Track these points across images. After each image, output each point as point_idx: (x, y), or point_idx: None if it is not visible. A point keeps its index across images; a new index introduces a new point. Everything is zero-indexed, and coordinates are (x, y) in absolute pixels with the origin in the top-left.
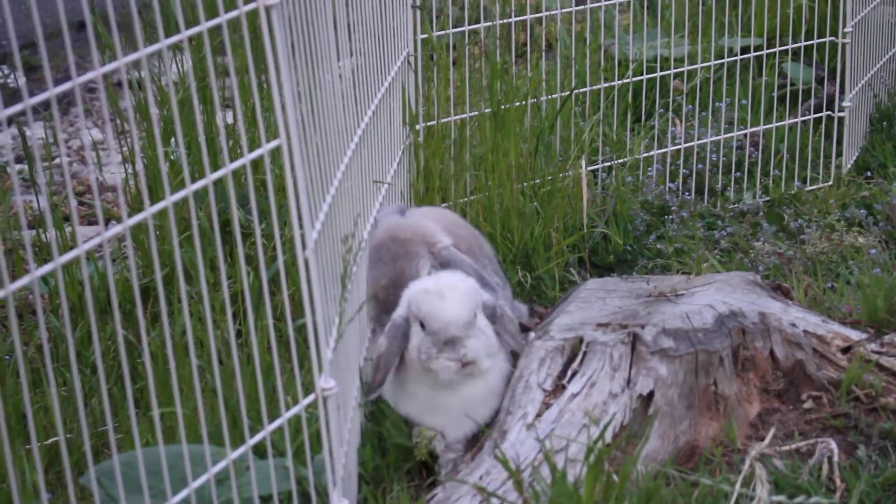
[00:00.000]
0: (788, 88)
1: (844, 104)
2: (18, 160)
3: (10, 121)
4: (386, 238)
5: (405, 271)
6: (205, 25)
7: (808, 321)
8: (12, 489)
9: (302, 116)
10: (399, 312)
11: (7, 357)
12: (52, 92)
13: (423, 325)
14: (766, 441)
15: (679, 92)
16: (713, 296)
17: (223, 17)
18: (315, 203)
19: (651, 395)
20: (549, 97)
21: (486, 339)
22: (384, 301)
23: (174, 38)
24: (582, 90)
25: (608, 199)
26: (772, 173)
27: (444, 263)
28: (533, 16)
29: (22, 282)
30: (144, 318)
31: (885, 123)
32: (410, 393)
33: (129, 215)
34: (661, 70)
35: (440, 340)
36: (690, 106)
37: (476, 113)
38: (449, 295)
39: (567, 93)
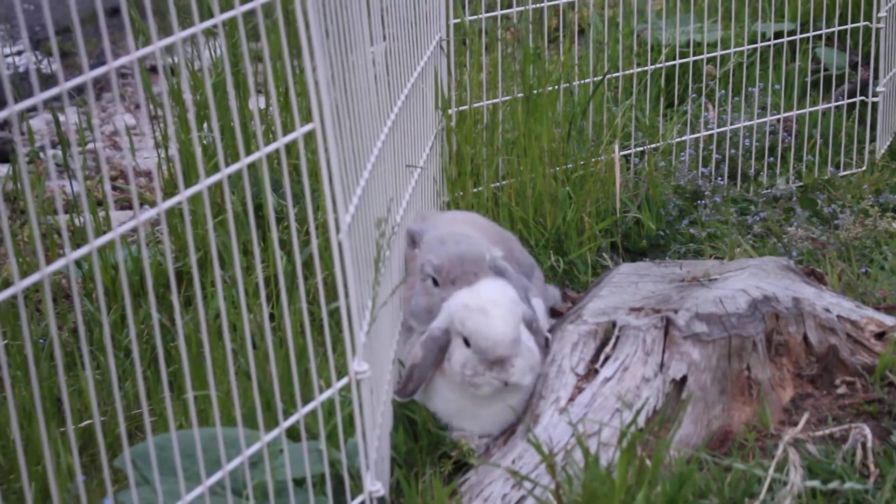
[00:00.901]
0: (822, 73)
1: (878, 89)
2: (53, 145)
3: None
4: (448, 231)
5: (470, 251)
6: (239, 10)
7: (842, 306)
8: (48, 471)
9: (336, 101)
10: (438, 324)
11: (42, 340)
12: (88, 76)
13: (467, 342)
14: (800, 426)
15: (712, 77)
16: (746, 281)
17: (257, 2)
18: (348, 187)
19: (684, 379)
20: (582, 82)
21: (530, 356)
22: (448, 271)
23: (208, 23)
24: (614, 75)
25: (641, 183)
26: (805, 158)
27: (496, 272)
28: (565, 0)
29: (57, 265)
30: (178, 302)
31: None
32: (444, 397)
33: (163, 200)
34: (694, 55)
35: (488, 360)
36: (723, 91)
37: (508, 98)
38: (493, 312)
39: (599, 78)
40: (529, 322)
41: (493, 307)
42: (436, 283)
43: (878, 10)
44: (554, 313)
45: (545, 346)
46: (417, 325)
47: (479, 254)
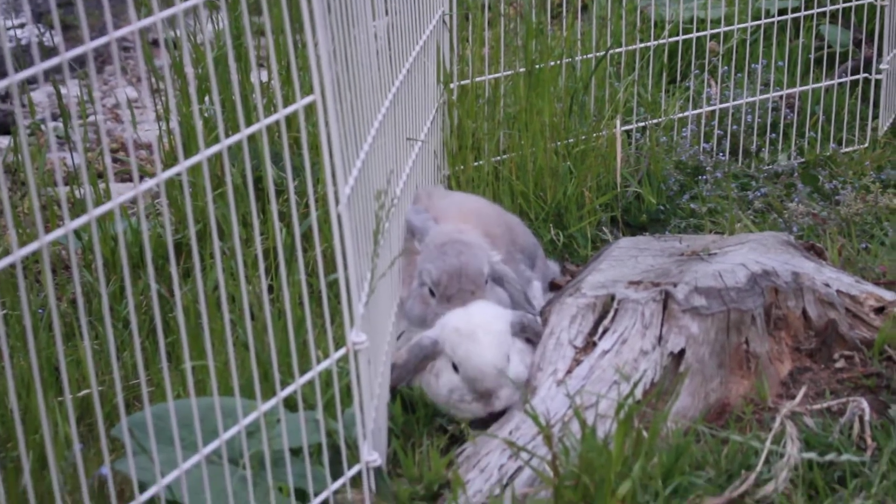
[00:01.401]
0: (825, 50)
1: (881, 66)
2: (54, 117)
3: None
4: (450, 239)
5: (471, 263)
6: None
7: (842, 281)
8: (45, 440)
9: (337, 74)
10: (429, 334)
11: (41, 311)
12: (88, 46)
13: (455, 368)
14: (797, 399)
15: (715, 53)
16: (746, 255)
17: None
18: (348, 159)
19: (682, 352)
20: (584, 57)
21: (517, 378)
22: (446, 287)
23: None
24: (617, 50)
25: (642, 159)
26: (807, 135)
27: (496, 276)
28: None
29: (56, 234)
30: (177, 274)
31: None
32: (434, 392)
33: (163, 171)
34: (697, 31)
35: (475, 390)
36: (726, 67)
37: (510, 72)
38: (483, 339)
39: (602, 53)
40: (520, 323)
41: (482, 334)
42: (432, 293)
43: None
44: (553, 286)
45: (539, 335)
46: (408, 326)
47: (478, 269)
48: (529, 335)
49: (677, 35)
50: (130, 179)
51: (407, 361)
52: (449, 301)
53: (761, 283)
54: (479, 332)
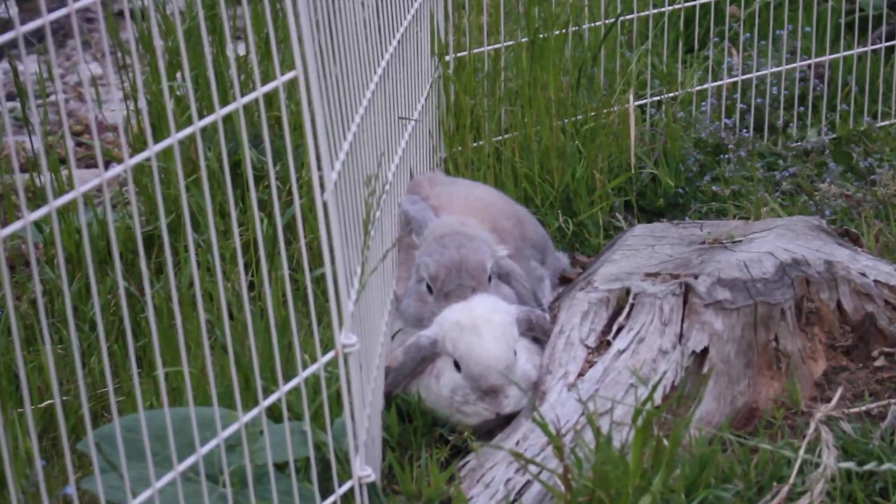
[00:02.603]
0: (857, 14)
1: None
2: (10, 97)
3: (1, 53)
4: (451, 231)
5: (471, 256)
6: None
7: (880, 270)
8: (4, 456)
9: (320, 47)
10: (428, 333)
11: None
12: (46, 19)
13: (457, 365)
14: (833, 402)
15: (736, 18)
16: (774, 242)
17: None
18: (335, 142)
19: (705, 351)
20: (593, 25)
21: (525, 378)
22: (444, 282)
23: None
24: (628, 17)
25: (658, 136)
26: (839, 108)
27: (502, 272)
28: None
29: (14, 227)
30: (148, 269)
31: None
32: (435, 395)
33: (131, 156)
34: None
35: (479, 388)
36: (748, 34)
37: (512, 42)
38: (486, 332)
39: (612, 20)
40: (527, 319)
41: (485, 326)
42: (430, 289)
43: None
44: (562, 280)
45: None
46: (404, 326)
47: (480, 263)
48: (537, 334)
49: None
50: (95, 165)
51: (403, 364)
52: (447, 298)
53: (791, 274)
54: (481, 324)
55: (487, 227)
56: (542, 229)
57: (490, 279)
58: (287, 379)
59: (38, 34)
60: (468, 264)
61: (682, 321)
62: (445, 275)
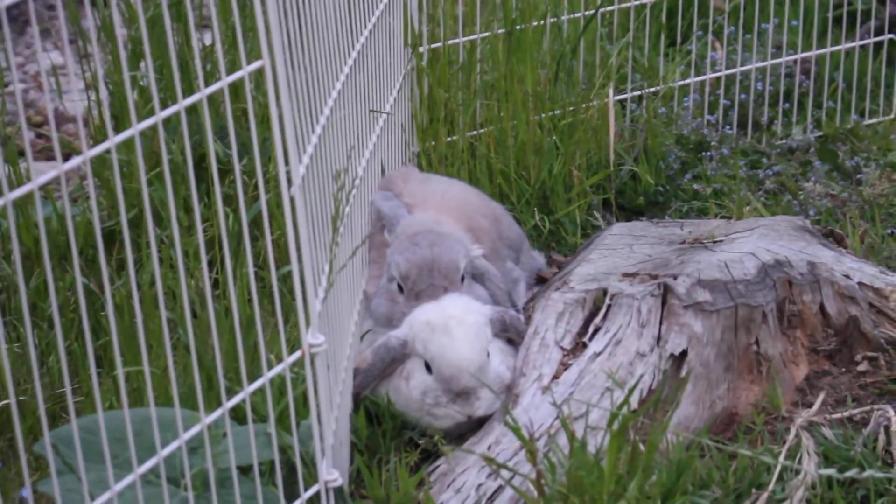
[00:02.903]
0: (845, 8)
1: None
2: None
3: None
4: (424, 229)
5: (444, 255)
6: None
7: (865, 272)
8: None
9: (288, 36)
10: (397, 334)
11: None
12: (3, 4)
13: (428, 366)
14: (815, 408)
15: (720, 11)
16: (756, 243)
17: None
18: (303, 134)
19: (684, 354)
20: (572, 16)
21: (498, 381)
22: (415, 281)
23: None
24: (609, 8)
25: (638, 133)
26: (825, 105)
27: (476, 273)
28: None
29: None
30: (108, 266)
31: None
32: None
33: (91, 147)
34: None
35: (451, 390)
36: (733, 27)
37: (488, 34)
38: (458, 333)
39: (592, 11)
40: (501, 319)
41: (456, 326)
42: (401, 289)
43: None
44: (538, 280)
45: (523, 335)
46: (374, 326)
47: (453, 263)
48: (511, 335)
49: None
50: (54, 157)
51: (372, 365)
52: (418, 297)
53: (773, 275)
54: (453, 325)
55: (463, 225)
56: (518, 228)
57: (463, 279)
58: (252, 379)
59: None
60: (440, 264)
61: (661, 323)
62: (417, 274)
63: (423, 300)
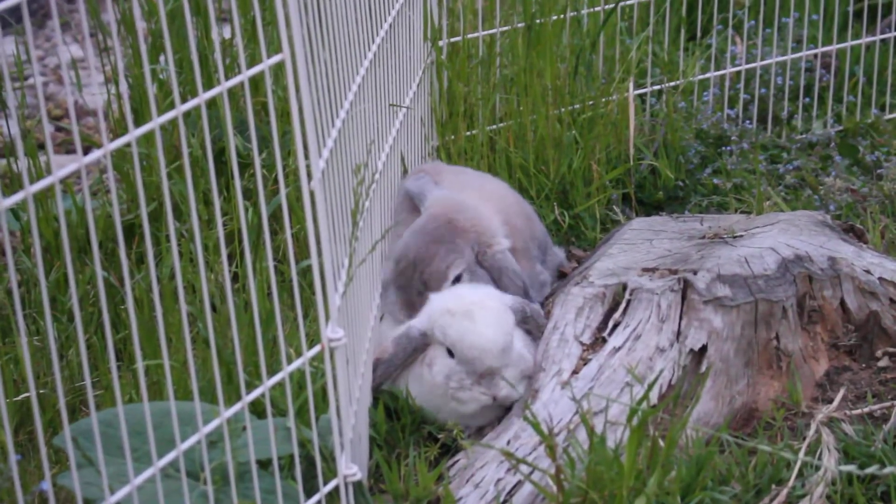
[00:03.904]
0: (866, 2)
1: None
2: None
3: None
4: (443, 216)
5: (435, 260)
6: None
7: (885, 267)
8: None
9: (308, 30)
10: (417, 324)
11: None
12: None
13: (450, 352)
14: (835, 403)
15: (740, 5)
16: (776, 238)
17: None
18: (322, 128)
19: (704, 349)
20: (592, 10)
21: (522, 364)
22: (401, 272)
23: None
24: (629, 2)
25: (658, 127)
26: (845, 99)
27: (493, 269)
28: None
29: None
30: (128, 259)
31: None
32: (416, 392)
33: (111, 141)
34: None
35: (475, 372)
36: (753, 21)
37: (508, 28)
38: (480, 317)
39: (612, 5)
40: (522, 311)
41: (478, 311)
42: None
43: None
44: (559, 275)
45: (543, 328)
46: (384, 312)
47: (441, 273)
48: (531, 328)
49: None
50: (74, 151)
51: (394, 355)
52: (399, 290)
53: (793, 270)
54: (474, 309)
55: (502, 219)
56: (543, 226)
57: (459, 278)
58: (271, 373)
59: (16, 14)
60: (427, 268)
61: (681, 318)
62: (404, 266)
63: (402, 293)
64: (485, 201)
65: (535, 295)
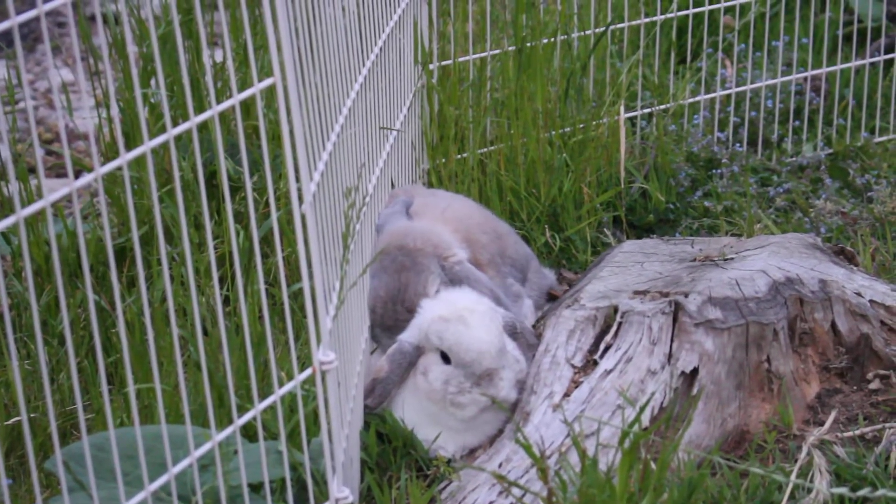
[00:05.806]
0: (856, 26)
1: None
2: None
3: None
4: (392, 246)
5: (410, 286)
6: None
7: (876, 290)
8: None
9: (299, 53)
10: (407, 338)
11: None
12: (15, 21)
13: (444, 357)
14: (826, 426)
15: (730, 29)
16: (767, 260)
17: None
18: (313, 152)
19: (695, 372)
20: (582, 34)
21: (516, 366)
22: (381, 316)
23: None
24: (619, 26)
25: (648, 150)
26: (835, 122)
27: (455, 280)
28: None
29: None
30: (119, 283)
31: None
32: (411, 404)
33: (102, 164)
34: (710, 4)
35: (474, 374)
36: (743, 45)
37: (498, 51)
38: (473, 320)
39: (602, 29)
40: (512, 324)
41: (470, 315)
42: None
43: None
44: (549, 297)
45: (533, 346)
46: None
47: (417, 294)
48: (521, 345)
49: (687, 8)
50: (66, 175)
51: (391, 372)
52: (389, 331)
53: (784, 293)
54: (466, 314)
55: (460, 237)
56: (526, 248)
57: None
58: (263, 397)
59: (7, 38)
60: (406, 295)
61: (672, 341)
62: (382, 309)
63: (395, 333)
64: (440, 222)
65: (509, 304)
